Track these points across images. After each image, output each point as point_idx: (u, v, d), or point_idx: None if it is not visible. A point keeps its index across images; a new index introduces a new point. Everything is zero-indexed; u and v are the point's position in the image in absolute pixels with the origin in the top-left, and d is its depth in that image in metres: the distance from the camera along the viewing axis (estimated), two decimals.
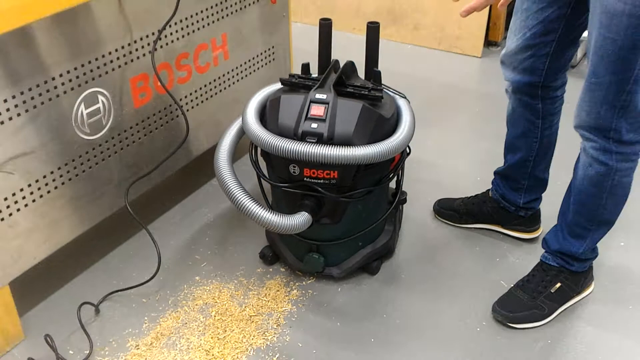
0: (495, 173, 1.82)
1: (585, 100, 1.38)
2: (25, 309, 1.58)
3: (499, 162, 1.81)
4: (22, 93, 1.34)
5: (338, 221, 1.58)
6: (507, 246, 1.80)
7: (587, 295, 1.64)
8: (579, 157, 1.49)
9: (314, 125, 1.47)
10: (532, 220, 1.80)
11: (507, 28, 2.34)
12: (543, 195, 1.79)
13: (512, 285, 1.63)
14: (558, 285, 1.59)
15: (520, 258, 1.75)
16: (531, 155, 1.70)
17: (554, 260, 1.60)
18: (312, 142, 1.44)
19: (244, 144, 1.65)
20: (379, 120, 1.51)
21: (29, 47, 1.33)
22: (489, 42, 2.84)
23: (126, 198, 1.63)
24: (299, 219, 1.48)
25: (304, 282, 1.69)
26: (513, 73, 1.59)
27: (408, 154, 1.70)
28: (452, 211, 1.89)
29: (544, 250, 1.64)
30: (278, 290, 1.66)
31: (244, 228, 1.86)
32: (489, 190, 1.87)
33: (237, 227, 1.87)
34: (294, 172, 1.50)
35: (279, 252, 1.72)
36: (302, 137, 1.46)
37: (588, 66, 1.35)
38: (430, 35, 2.84)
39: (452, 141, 2.29)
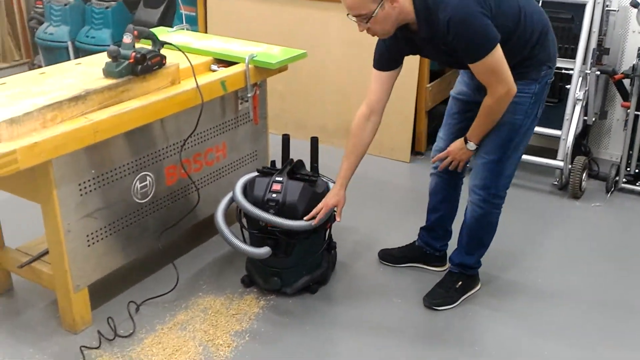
0: (421, 228, 2.81)
1: (478, 170, 2.40)
2: (93, 306, 2.52)
3: (412, 231, 2.84)
4: (105, 173, 2.37)
5: (289, 255, 2.56)
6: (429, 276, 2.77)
7: (476, 290, 2.66)
8: (467, 207, 2.51)
9: (274, 195, 2.49)
10: (442, 259, 2.81)
11: (429, 143, 3.50)
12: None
13: (434, 285, 2.62)
14: (460, 283, 2.60)
15: (433, 280, 2.70)
16: (448, 214, 2.70)
17: (456, 269, 2.62)
18: (272, 212, 2.45)
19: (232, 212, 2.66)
20: (313, 194, 2.53)
21: (116, 146, 2.37)
22: (415, 152, 3.92)
23: (159, 240, 2.63)
24: (264, 250, 2.48)
25: (268, 297, 2.64)
26: (441, 161, 2.56)
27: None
28: (391, 256, 2.87)
29: (450, 265, 2.66)
30: (251, 301, 2.61)
31: (230, 266, 2.83)
32: (414, 241, 2.85)
33: (226, 266, 2.83)
34: (262, 224, 2.51)
35: (253, 278, 2.68)
36: (267, 202, 2.48)
37: (481, 150, 2.36)
38: (373, 146, 3.87)
39: (382, 217, 3.29)
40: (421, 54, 2.46)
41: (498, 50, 2.11)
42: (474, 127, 2.31)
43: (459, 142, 2.39)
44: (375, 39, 2.31)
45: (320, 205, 2.46)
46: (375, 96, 2.41)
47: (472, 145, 2.35)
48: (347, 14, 2.16)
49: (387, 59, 2.36)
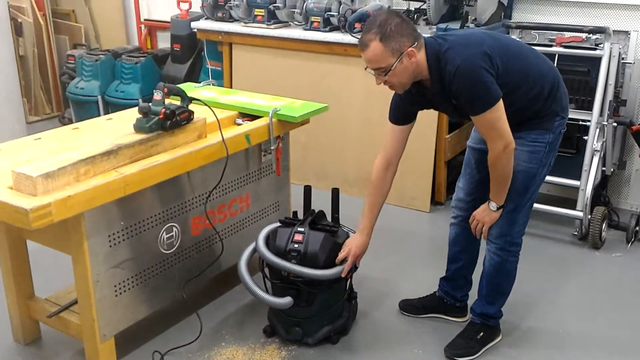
0: (442, 278, 2.83)
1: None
2: (118, 355, 2.57)
3: (432, 280, 2.87)
4: (134, 224, 2.45)
5: (310, 305, 2.59)
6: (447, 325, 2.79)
7: (498, 341, 2.67)
8: (485, 256, 2.56)
9: (296, 245, 2.55)
10: (463, 309, 2.83)
11: (448, 193, 3.53)
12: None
13: (455, 336, 2.64)
14: (481, 334, 2.62)
15: (454, 330, 2.72)
16: (468, 264, 2.74)
17: (478, 319, 2.64)
18: (294, 262, 2.50)
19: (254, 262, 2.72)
20: (334, 244, 2.58)
21: (144, 198, 2.46)
22: (435, 202, 3.97)
23: (183, 290, 2.69)
24: (286, 300, 2.52)
25: (289, 347, 2.67)
26: (461, 211, 2.65)
27: (356, 267, 2.75)
28: (411, 306, 2.89)
29: (471, 315, 2.67)
30: (273, 351, 2.64)
31: (254, 315, 2.87)
32: (435, 291, 2.88)
33: (249, 316, 2.88)
34: (284, 274, 2.56)
35: (275, 328, 2.72)
36: (289, 252, 2.54)
37: None
38: (393, 195, 3.92)
39: (402, 266, 3.32)
40: (434, 109, 2.54)
41: (500, 108, 2.21)
42: (491, 187, 2.38)
43: (485, 204, 2.45)
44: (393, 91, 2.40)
45: (345, 253, 2.54)
46: (392, 149, 2.52)
47: (493, 206, 2.40)
48: (365, 67, 2.26)
49: (403, 113, 2.47)
